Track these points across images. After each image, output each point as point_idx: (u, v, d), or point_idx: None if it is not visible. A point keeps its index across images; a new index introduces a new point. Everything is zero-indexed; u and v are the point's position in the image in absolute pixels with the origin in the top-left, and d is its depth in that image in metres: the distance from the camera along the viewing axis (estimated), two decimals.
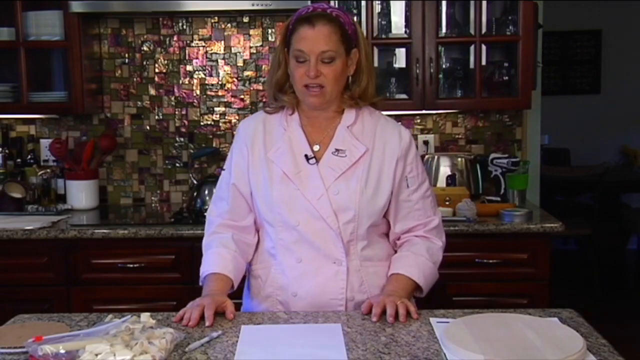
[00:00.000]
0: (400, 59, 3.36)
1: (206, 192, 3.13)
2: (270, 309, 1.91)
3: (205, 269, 1.89)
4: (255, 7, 3.09)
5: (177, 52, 3.50)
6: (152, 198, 3.56)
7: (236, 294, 1.91)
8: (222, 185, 1.99)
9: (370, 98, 1.93)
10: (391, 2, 3.29)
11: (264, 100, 3.45)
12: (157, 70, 3.51)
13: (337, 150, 1.89)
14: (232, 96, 3.51)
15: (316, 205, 1.84)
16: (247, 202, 1.94)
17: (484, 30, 3.21)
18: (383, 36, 3.28)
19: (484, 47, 3.22)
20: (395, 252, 1.98)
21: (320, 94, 1.84)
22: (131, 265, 2.89)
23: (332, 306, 1.85)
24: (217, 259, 1.89)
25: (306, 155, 1.88)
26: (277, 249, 1.90)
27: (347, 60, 1.86)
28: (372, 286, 1.90)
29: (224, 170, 2.01)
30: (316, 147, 1.91)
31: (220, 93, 3.52)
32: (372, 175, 1.88)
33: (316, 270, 1.87)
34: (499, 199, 3.13)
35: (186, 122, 3.53)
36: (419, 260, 1.91)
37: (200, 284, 1.90)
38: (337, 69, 1.83)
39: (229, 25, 3.48)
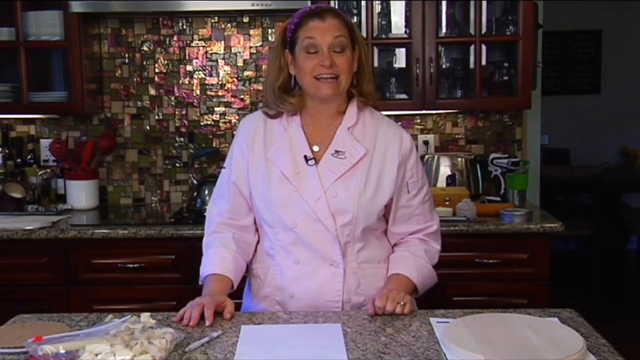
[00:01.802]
0: (400, 59, 3.36)
1: (206, 192, 3.13)
2: (269, 309, 1.91)
3: (206, 269, 1.89)
4: (255, 7, 3.09)
5: (177, 52, 3.50)
6: (152, 198, 3.56)
7: (236, 294, 1.90)
8: (223, 183, 1.99)
9: (374, 96, 1.95)
10: (391, 2, 3.29)
11: (263, 100, 3.44)
12: (157, 70, 3.51)
13: (336, 151, 1.88)
14: (232, 96, 3.51)
15: (314, 208, 1.84)
16: (247, 201, 1.94)
17: (484, 30, 3.21)
18: (383, 36, 3.28)
19: (484, 47, 3.22)
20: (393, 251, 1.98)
21: (336, 84, 1.85)
22: (131, 265, 2.89)
23: (328, 308, 1.85)
24: (217, 260, 1.89)
25: (305, 156, 1.88)
26: (276, 250, 1.90)
27: (353, 54, 1.89)
28: (369, 288, 1.89)
29: (224, 168, 2.00)
30: (316, 148, 1.90)
31: (220, 93, 3.52)
32: (371, 178, 1.88)
33: (313, 272, 1.87)
34: (499, 199, 3.13)
35: (186, 122, 3.53)
36: (418, 262, 1.92)
37: (200, 283, 1.90)
38: (349, 59, 1.86)
39: (229, 25, 3.48)
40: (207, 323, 1.67)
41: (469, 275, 2.87)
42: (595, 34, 6.83)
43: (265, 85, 2.01)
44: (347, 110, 1.93)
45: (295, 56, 1.88)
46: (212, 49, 3.50)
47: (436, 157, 3.31)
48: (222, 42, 3.49)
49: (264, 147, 1.91)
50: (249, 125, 1.97)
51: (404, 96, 3.28)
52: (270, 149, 1.90)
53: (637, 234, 5.86)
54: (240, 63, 3.50)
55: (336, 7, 3.14)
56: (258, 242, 1.98)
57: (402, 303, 1.74)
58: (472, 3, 3.20)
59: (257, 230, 1.98)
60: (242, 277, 1.95)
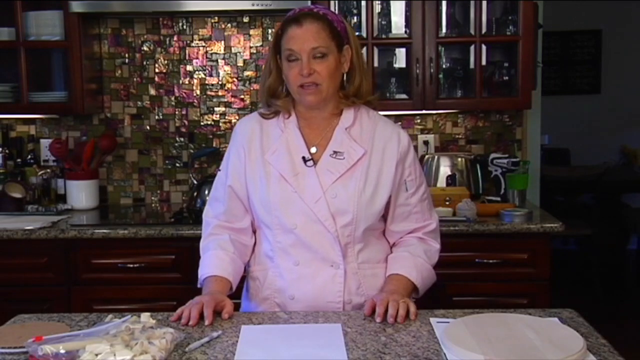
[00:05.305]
0: (400, 59, 3.36)
1: (206, 192, 3.13)
2: (269, 311, 1.90)
3: (204, 271, 1.89)
4: (255, 7, 3.09)
5: (177, 52, 3.50)
6: (152, 198, 3.56)
7: (235, 294, 1.90)
8: (218, 186, 1.99)
9: (365, 96, 1.93)
10: (391, 2, 3.29)
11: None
12: (157, 70, 3.51)
13: (335, 152, 1.88)
14: (232, 96, 3.51)
15: (313, 209, 1.83)
16: (243, 204, 1.94)
17: (484, 30, 3.21)
18: (383, 36, 3.28)
19: (484, 47, 3.22)
20: (392, 251, 1.98)
21: (317, 92, 1.83)
22: (131, 265, 2.89)
23: (329, 309, 1.84)
24: (215, 262, 1.88)
25: (303, 158, 1.88)
26: (275, 252, 1.89)
27: (339, 57, 1.86)
28: (369, 288, 1.89)
29: (220, 170, 2.00)
30: (313, 149, 1.90)
31: (220, 93, 3.52)
32: (370, 178, 1.87)
33: (313, 274, 1.86)
34: (499, 199, 3.13)
35: (186, 122, 3.53)
36: (417, 262, 1.91)
37: (199, 286, 1.90)
38: (331, 65, 1.83)
39: (229, 25, 3.48)
40: (206, 322, 1.67)
41: (469, 275, 2.87)
42: (595, 34, 6.83)
43: (260, 84, 2.02)
44: (343, 111, 1.92)
45: (282, 63, 1.88)
46: (212, 49, 3.50)
47: (436, 157, 3.30)
48: (222, 42, 3.49)
49: (261, 150, 1.91)
50: (245, 128, 1.96)
51: (404, 96, 3.28)
52: (268, 151, 1.90)
53: (637, 234, 5.86)
54: (240, 63, 3.50)
55: (336, 7, 3.16)
56: (255, 243, 1.97)
57: (402, 301, 1.73)
58: (472, 3, 3.20)
59: (254, 232, 1.98)
60: (241, 279, 1.95)
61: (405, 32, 3.27)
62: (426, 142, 3.48)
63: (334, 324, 1.68)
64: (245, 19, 3.48)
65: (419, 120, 3.50)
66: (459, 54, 3.37)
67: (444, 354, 1.49)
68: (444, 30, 3.29)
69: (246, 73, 3.50)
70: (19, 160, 3.45)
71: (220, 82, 3.51)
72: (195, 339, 1.58)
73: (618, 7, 6.55)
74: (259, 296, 1.93)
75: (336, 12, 3.09)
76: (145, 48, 3.50)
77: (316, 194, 1.84)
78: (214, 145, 3.52)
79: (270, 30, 3.47)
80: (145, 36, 3.50)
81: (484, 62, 3.23)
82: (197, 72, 3.51)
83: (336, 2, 3.18)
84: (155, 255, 2.90)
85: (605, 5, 6.55)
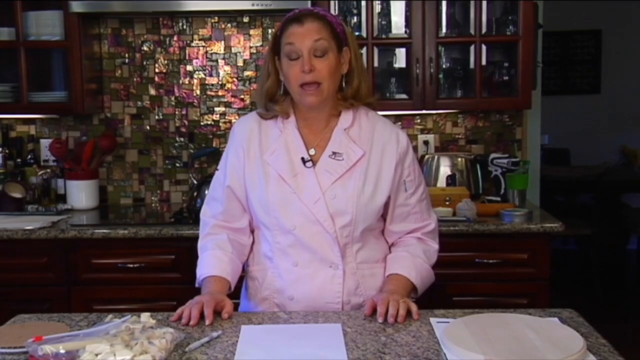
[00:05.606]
0: (400, 59, 3.36)
1: (206, 192, 3.11)
2: (268, 311, 1.89)
3: (203, 271, 1.88)
4: (255, 7, 3.09)
5: (177, 52, 3.50)
6: (152, 198, 3.56)
7: (234, 293, 1.90)
8: (216, 185, 1.98)
9: (364, 98, 1.92)
10: (391, 2, 3.29)
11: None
12: (157, 70, 3.51)
13: (334, 153, 1.87)
14: (232, 96, 3.51)
15: (312, 209, 1.83)
16: (241, 204, 1.93)
17: (484, 30, 3.21)
18: (383, 36, 3.28)
19: (484, 47, 3.22)
20: (390, 251, 1.98)
21: (318, 92, 1.83)
22: (131, 265, 2.89)
23: (328, 309, 1.84)
24: (214, 261, 1.88)
25: (302, 158, 1.87)
26: (274, 252, 1.89)
27: (339, 57, 1.86)
28: (368, 288, 1.89)
29: (217, 170, 2.00)
30: (312, 151, 1.89)
31: (220, 93, 3.52)
32: (369, 179, 1.87)
33: (312, 274, 1.86)
34: (499, 199, 3.13)
35: (186, 122, 3.53)
36: (417, 262, 1.91)
37: (197, 285, 1.90)
38: (331, 63, 1.82)
39: (229, 25, 3.48)
40: (207, 322, 1.67)
41: (469, 275, 2.87)
42: (595, 34, 6.83)
43: (257, 86, 2.00)
44: (342, 112, 1.92)
45: (281, 63, 1.87)
46: (212, 49, 3.50)
47: (436, 157, 3.30)
48: (222, 42, 3.49)
49: (260, 150, 1.90)
50: (243, 128, 1.95)
51: (404, 96, 3.28)
52: (267, 151, 1.89)
53: (637, 234, 5.86)
54: (240, 63, 3.50)
55: (336, 7, 3.16)
56: (253, 243, 1.97)
57: (402, 301, 1.73)
58: (472, 3, 3.20)
59: (252, 232, 1.97)
60: (239, 278, 1.95)
61: (405, 32, 3.27)
62: (426, 142, 3.48)
63: (334, 324, 1.68)
64: (245, 19, 3.48)
65: (419, 120, 3.50)
66: (459, 54, 3.37)
67: (444, 354, 1.49)
68: (444, 30, 3.29)
69: (246, 73, 3.50)
70: (19, 160, 3.45)
71: (220, 82, 3.51)
72: (195, 339, 1.58)
73: (618, 7, 6.55)
74: (257, 296, 1.93)
75: (336, 12, 3.12)
76: (145, 48, 3.50)
77: (315, 194, 1.84)
78: (214, 145, 3.52)
79: (270, 30, 3.47)
80: (145, 36, 3.50)
81: (484, 62, 3.23)
82: (197, 72, 3.51)
83: (336, 2, 3.18)
84: (155, 255, 2.90)
85: (605, 5, 6.55)
